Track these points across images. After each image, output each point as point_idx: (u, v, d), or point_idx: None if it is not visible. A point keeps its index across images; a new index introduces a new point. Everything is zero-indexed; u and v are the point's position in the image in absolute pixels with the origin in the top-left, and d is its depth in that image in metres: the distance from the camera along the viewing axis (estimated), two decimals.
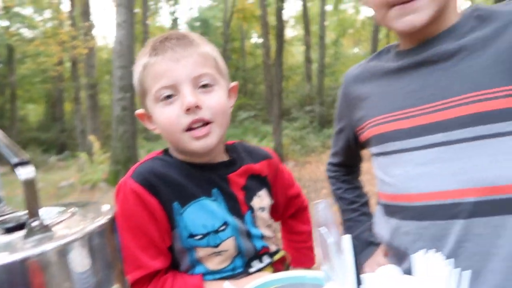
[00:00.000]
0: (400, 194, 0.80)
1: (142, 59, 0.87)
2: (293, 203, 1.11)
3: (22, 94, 19.55)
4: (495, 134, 0.69)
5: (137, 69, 0.89)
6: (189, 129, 0.84)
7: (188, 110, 0.82)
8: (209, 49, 0.89)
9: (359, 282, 0.52)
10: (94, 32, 15.71)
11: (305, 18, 17.01)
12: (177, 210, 0.86)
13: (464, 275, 0.45)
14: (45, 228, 0.40)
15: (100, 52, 20.40)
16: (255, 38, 23.83)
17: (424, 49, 0.78)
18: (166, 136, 0.88)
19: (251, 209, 0.93)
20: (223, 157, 0.96)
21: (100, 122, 13.77)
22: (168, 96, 0.84)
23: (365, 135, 0.91)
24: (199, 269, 0.88)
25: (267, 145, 10.34)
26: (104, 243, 0.43)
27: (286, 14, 22.16)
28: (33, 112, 23.34)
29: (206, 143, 0.85)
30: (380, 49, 0.95)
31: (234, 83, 0.97)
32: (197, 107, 0.83)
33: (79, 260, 0.40)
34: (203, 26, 20.12)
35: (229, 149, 0.99)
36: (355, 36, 22.40)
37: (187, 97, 0.82)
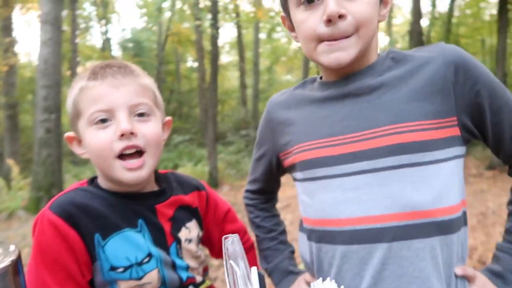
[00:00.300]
0: (328, 219, 0.82)
1: (79, 82, 0.87)
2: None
3: None
4: (415, 163, 0.76)
5: (72, 92, 0.88)
6: (121, 156, 0.84)
7: (123, 136, 0.83)
8: (148, 81, 0.92)
9: None
10: (16, 48, 14.70)
11: (239, 44, 17.44)
12: (98, 243, 0.84)
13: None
14: None
15: (23, 70, 19.06)
16: (191, 62, 23.86)
17: (347, 82, 0.85)
18: (96, 162, 0.87)
19: (177, 240, 0.93)
20: (153, 187, 0.96)
21: (20, 144, 12.74)
22: (103, 120, 0.84)
23: (290, 160, 0.93)
24: None
25: (202, 169, 10.26)
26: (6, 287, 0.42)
27: (221, 40, 22.54)
28: None
29: (137, 175, 0.85)
30: (304, 80, 1.00)
31: (168, 118, 0.99)
32: (132, 133, 0.83)
33: None
34: (136, 47, 19.73)
35: (160, 178, 0.99)
36: (288, 64, 23.34)
37: (122, 122, 0.83)
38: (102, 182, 0.92)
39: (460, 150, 0.80)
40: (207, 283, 1.00)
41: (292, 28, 0.91)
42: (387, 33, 22.26)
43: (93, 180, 0.95)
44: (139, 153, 0.86)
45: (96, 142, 0.84)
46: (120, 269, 0.84)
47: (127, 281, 0.85)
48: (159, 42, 17.04)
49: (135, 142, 0.84)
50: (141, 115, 0.87)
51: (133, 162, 0.84)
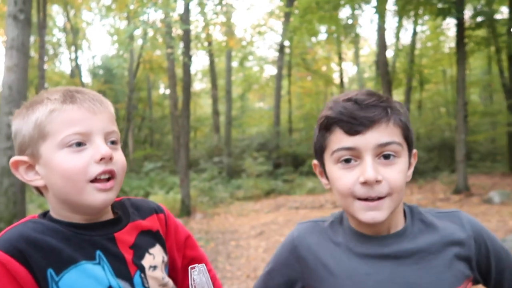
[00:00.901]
0: None
1: (48, 104, 0.84)
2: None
3: None
4: None
5: (36, 114, 0.84)
6: (94, 180, 0.82)
7: (102, 160, 0.82)
8: (113, 111, 0.93)
9: None
10: None
11: (212, 72, 17.64)
12: (51, 278, 0.77)
13: None
14: None
15: None
16: (163, 89, 23.83)
17: (385, 243, 0.91)
18: (62, 186, 0.82)
19: (141, 268, 0.87)
20: (109, 216, 0.90)
21: None
22: (78, 144, 0.82)
23: None
24: None
25: (174, 197, 10.06)
26: None
27: (194, 67, 22.71)
28: None
29: (108, 197, 0.84)
30: (331, 218, 1.01)
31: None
32: (111, 158, 0.83)
33: None
34: (107, 74, 19.56)
35: (116, 206, 0.94)
36: (260, 92, 23.69)
37: (102, 147, 0.83)
38: (55, 214, 0.87)
39: None
40: None
41: (323, 174, 0.98)
42: (355, 62, 23.12)
43: (45, 215, 0.89)
44: (109, 179, 0.85)
45: (69, 165, 0.81)
46: None
47: None
48: (131, 69, 16.97)
49: (111, 167, 0.84)
50: (113, 142, 0.87)
51: (105, 183, 0.83)
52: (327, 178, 0.95)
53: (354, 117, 0.85)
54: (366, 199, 0.86)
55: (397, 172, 0.86)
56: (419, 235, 0.92)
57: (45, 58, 15.18)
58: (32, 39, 9.83)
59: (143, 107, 20.88)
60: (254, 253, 5.51)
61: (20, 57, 7.03)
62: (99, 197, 0.83)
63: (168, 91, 18.44)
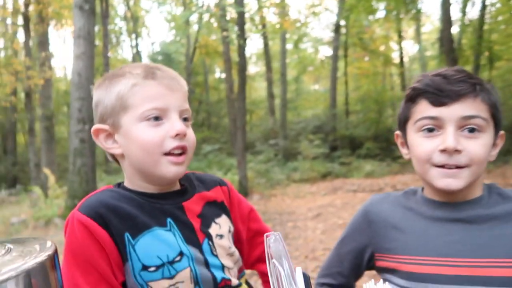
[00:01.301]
0: None
1: (131, 79, 0.89)
2: (260, 241, 1.06)
3: None
4: None
5: (118, 87, 0.89)
6: (167, 153, 0.87)
7: (177, 136, 0.87)
8: (187, 90, 0.96)
9: None
10: (52, 62, 15.35)
11: (266, 55, 17.53)
12: (128, 242, 0.82)
13: None
14: None
15: (58, 83, 19.88)
16: (218, 73, 24.19)
17: (458, 208, 0.92)
18: (139, 156, 0.88)
19: (208, 236, 0.91)
20: (177, 187, 0.96)
21: (56, 155, 13.21)
22: (156, 118, 0.87)
23: (392, 265, 0.96)
24: None
25: (232, 178, 10.28)
26: (42, 282, 0.40)
27: (248, 50, 22.75)
28: None
29: (179, 170, 0.89)
30: (406, 190, 1.05)
31: None
32: (184, 135, 0.88)
33: None
34: (165, 60, 20.20)
35: (182, 178, 0.99)
36: (315, 73, 23.24)
37: (177, 123, 0.87)
38: (129, 184, 0.93)
39: None
40: (244, 287, 0.96)
41: (403, 145, 1.01)
42: (416, 40, 21.83)
43: (119, 185, 0.95)
44: (181, 154, 0.90)
45: (147, 137, 0.86)
46: (152, 268, 0.83)
47: (159, 281, 0.83)
48: (188, 55, 17.38)
49: (184, 143, 0.89)
50: (185, 119, 0.92)
51: (178, 157, 0.88)
52: (408, 148, 0.99)
53: (441, 90, 0.88)
54: (443, 166, 0.88)
55: (479, 145, 0.87)
56: (495, 205, 0.92)
57: (109, 46, 15.99)
58: (96, 28, 10.36)
59: (200, 91, 21.36)
60: (312, 234, 5.51)
61: (87, 46, 7.46)
62: (171, 169, 0.87)
63: (223, 75, 18.71)
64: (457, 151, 0.86)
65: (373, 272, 1.06)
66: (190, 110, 0.94)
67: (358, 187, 9.66)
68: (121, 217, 0.83)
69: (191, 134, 0.92)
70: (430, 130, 0.91)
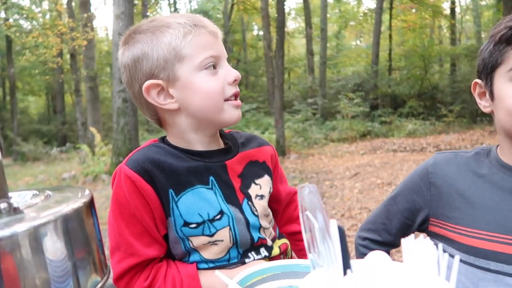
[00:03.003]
0: None
1: (180, 28, 0.85)
2: (294, 199, 1.07)
3: (22, 86, 19.51)
4: None
5: (170, 37, 0.84)
6: (227, 99, 0.88)
7: (235, 82, 0.88)
8: None
9: (347, 267, 0.50)
10: (94, 23, 15.63)
11: (306, 10, 16.86)
12: (172, 198, 0.84)
13: (455, 261, 0.43)
14: (15, 210, 0.38)
15: (100, 44, 20.32)
16: (256, 31, 23.70)
17: None
18: (205, 103, 0.86)
19: (248, 197, 0.91)
20: (220, 144, 0.95)
21: (101, 114, 13.74)
22: (214, 66, 0.87)
23: (450, 234, 0.89)
24: (194, 257, 0.87)
25: (269, 137, 10.33)
26: (79, 227, 0.42)
27: (287, 6, 21.98)
28: (34, 104, 23.33)
29: (240, 113, 0.91)
30: (477, 149, 0.94)
31: None
32: (236, 81, 0.89)
33: (51, 244, 0.38)
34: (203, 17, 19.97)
35: (225, 136, 0.98)
36: (357, 28, 22.21)
37: (233, 70, 0.89)
38: (172, 140, 0.92)
39: None
40: (278, 249, 0.96)
41: (482, 96, 0.90)
42: None
43: (163, 139, 0.94)
44: (236, 98, 0.91)
45: (211, 85, 0.86)
46: (193, 225, 0.84)
47: (199, 237, 0.85)
48: (225, 12, 17.07)
49: (238, 89, 0.91)
50: None
51: (238, 101, 0.90)
52: (491, 99, 0.87)
53: None
54: None
55: None
56: None
57: (147, 6, 15.97)
58: None
59: (238, 49, 21.15)
60: (349, 193, 5.49)
61: (126, 5, 7.49)
62: (235, 113, 0.89)
63: (261, 32, 18.29)
64: None
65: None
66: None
67: (398, 146, 9.41)
68: (166, 173, 0.84)
69: None
70: None
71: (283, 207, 1.06)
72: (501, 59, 0.82)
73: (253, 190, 0.93)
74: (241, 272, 0.70)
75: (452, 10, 17.72)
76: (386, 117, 13.01)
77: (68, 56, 16.62)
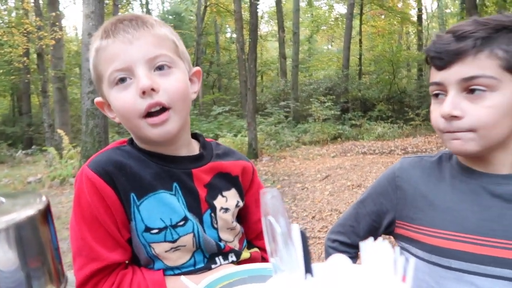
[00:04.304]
0: None
1: (94, 43, 0.83)
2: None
3: None
4: None
5: (91, 54, 0.84)
6: (147, 115, 0.79)
7: (144, 94, 0.77)
8: (166, 31, 0.85)
9: (309, 271, 0.50)
10: (62, 22, 15.16)
11: (279, 14, 16.99)
12: (133, 202, 0.82)
13: (410, 262, 0.45)
14: None
15: (69, 44, 19.75)
16: (230, 33, 23.68)
17: (497, 181, 0.85)
18: (124, 123, 0.84)
19: (212, 208, 0.89)
20: (191, 151, 0.92)
21: (70, 116, 13.35)
22: (122, 80, 0.79)
23: (414, 235, 0.92)
24: (158, 265, 0.85)
25: (241, 140, 10.33)
26: (33, 236, 0.40)
27: (260, 9, 22.09)
28: None
29: (163, 130, 0.80)
30: (440, 153, 0.98)
31: (196, 68, 0.93)
32: (153, 89, 0.77)
33: (2, 254, 0.37)
34: (176, 19, 19.79)
35: (204, 145, 0.95)
36: (329, 33, 22.59)
37: (141, 79, 0.77)
38: (139, 142, 0.89)
39: None
40: (247, 254, 0.95)
41: None
42: None
43: (132, 141, 0.91)
44: (162, 110, 0.80)
45: (120, 103, 0.80)
46: (155, 230, 0.82)
47: (161, 243, 0.83)
48: (198, 13, 16.96)
49: (157, 99, 0.78)
50: (160, 68, 0.80)
51: (159, 116, 0.79)
52: None
53: (439, 51, 0.82)
54: (448, 132, 0.84)
55: (483, 107, 0.79)
56: None
57: (119, 5, 15.65)
58: None
59: (211, 51, 21.06)
60: (320, 195, 5.56)
61: (96, 4, 7.33)
62: (154, 132, 0.80)
63: (235, 35, 18.30)
64: (455, 117, 0.81)
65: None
66: (167, 55, 0.81)
67: (368, 149, 9.62)
68: (128, 177, 0.82)
69: (170, 84, 0.80)
70: (436, 95, 0.86)
71: (249, 235, 1.01)
72: (429, 78, 0.89)
73: (219, 202, 0.90)
74: (208, 277, 0.69)
75: (419, 17, 18.33)
76: (356, 120, 13.28)
77: (35, 56, 16.04)
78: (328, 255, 1.06)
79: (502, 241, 0.81)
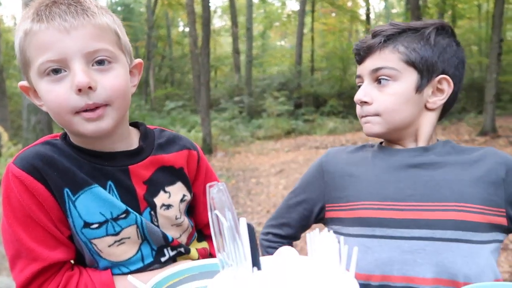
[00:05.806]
0: (380, 274, 0.88)
1: (23, 23, 0.73)
2: None
3: None
4: (467, 240, 0.85)
5: (18, 34, 0.75)
6: (80, 111, 0.73)
7: (80, 91, 0.71)
8: (108, 20, 0.77)
9: (256, 265, 0.50)
10: None
11: (232, 9, 16.94)
12: (68, 198, 0.77)
13: (354, 251, 0.46)
14: None
15: (7, 34, 18.46)
16: (182, 27, 23.26)
17: (412, 154, 0.95)
18: (54, 117, 0.76)
19: (151, 206, 0.84)
20: (129, 144, 0.86)
21: (9, 111, 12.51)
22: (55, 71, 0.72)
23: (343, 213, 0.96)
24: (103, 263, 0.80)
25: (195, 135, 10.21)
26: None
27: (213, 3, 21.90)
28: None
29: (98, 126, 0.74)
30: (364, 144, 1.09)
31: (138, 60, 0.87)
32: (90, 88, 0.72)
33: None
34: (125, 11, 19.11)
35: (143, 135, 0.89)
36: (282, 29, 22.84)
37: (77, 75, 0.70)
38: (72, 137, 0.82)
39: (501, 236, 0.90)
40: (202, 244, 0.93)
41: None
42: None
43: (65, 136, 0.84)
44: (99, 107, 0.75)
45: (51, 97, 0.73)
46: (95, 225, 0.78)
47: (103, 238, 0.79)
48: (149, 6, 16.49)
49: (95, 99, 0.73)
50: (100, 63, 0.74)
51: (95, 111, 0.74)
52: None
53: (358, 48, 0.97)
54: (362, 116, 0.98)
55: (387, 95, 0.93)
56: (447, 154, 0.95)
57: None
58: None
59: (163, 45, 20.57)
60: (274, 190, 5.63)
61: None
62: (88, 128, 0.74)
63: (187, 29, 18.00)
64: (365, 103, 0.95)
65: (321, 225, 1.05)
66: (107, 49, 0.74)
67: (320, 143, 9.87)
68: (60, 172, 0.76)
69: (109, 82, 0.74)
70: (360, 87, 0.98)
71: (199, 225, 0.98)
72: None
73: (159, 199, 0.85)
74: (157, 275, 0.67)
75: (368, 16, 19.02)
76: (309, 116, 13.57)
77: None
78: (263, 248, 1.09)
79: (419, 204, 0.89)
